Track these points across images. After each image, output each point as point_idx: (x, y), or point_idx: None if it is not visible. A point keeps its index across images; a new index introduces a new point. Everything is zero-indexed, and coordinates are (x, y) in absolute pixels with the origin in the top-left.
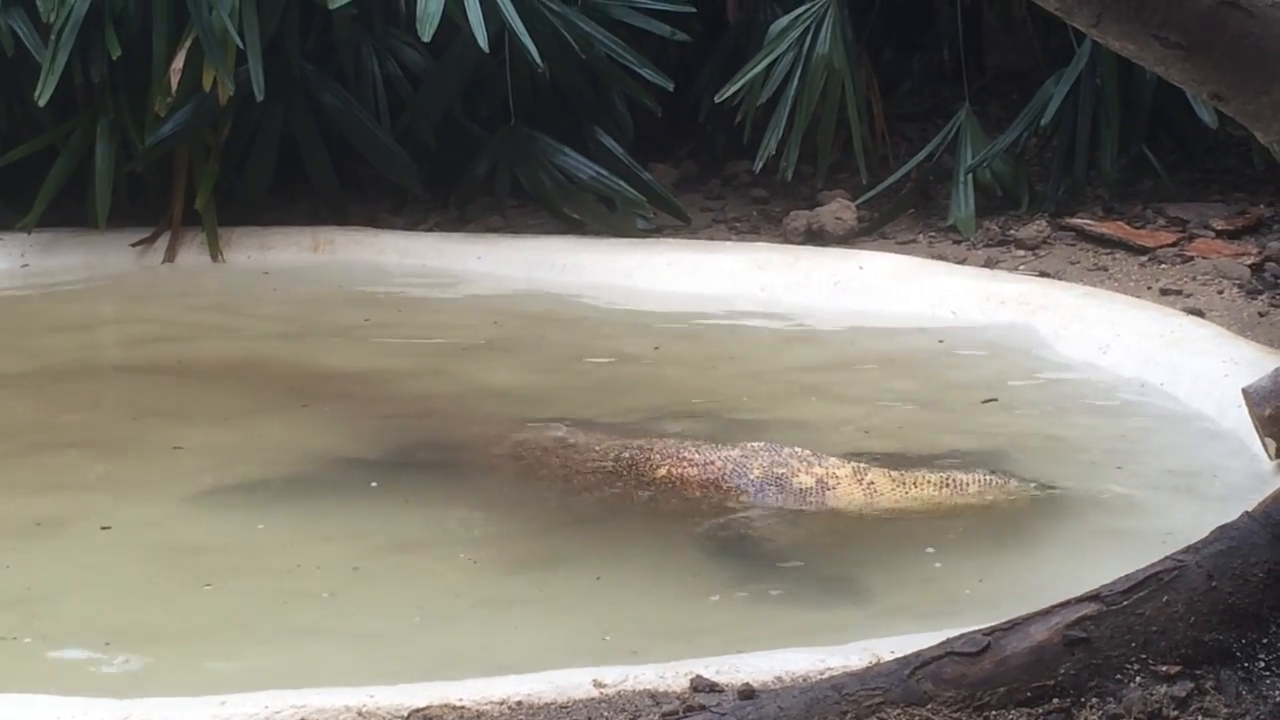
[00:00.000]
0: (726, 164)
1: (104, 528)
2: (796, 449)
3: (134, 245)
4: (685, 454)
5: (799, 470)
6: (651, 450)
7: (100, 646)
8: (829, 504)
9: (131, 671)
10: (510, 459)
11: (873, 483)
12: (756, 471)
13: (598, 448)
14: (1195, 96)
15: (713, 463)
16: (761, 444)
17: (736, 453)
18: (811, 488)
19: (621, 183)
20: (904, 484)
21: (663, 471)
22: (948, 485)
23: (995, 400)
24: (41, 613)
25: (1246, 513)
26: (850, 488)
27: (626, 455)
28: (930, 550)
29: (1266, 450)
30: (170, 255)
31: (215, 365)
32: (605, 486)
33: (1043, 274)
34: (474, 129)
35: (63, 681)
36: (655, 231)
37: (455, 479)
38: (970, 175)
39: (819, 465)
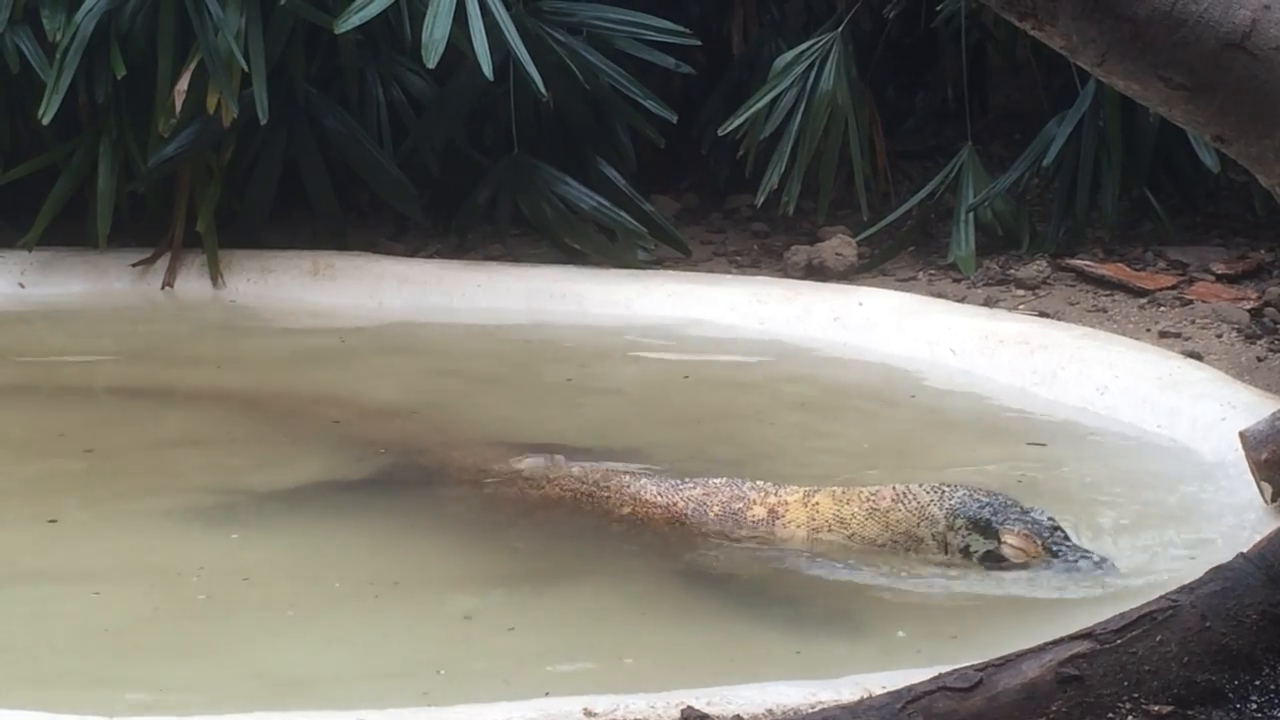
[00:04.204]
0: (728, 197)
1: (50, 520)
2: (759, 483)
3: (134, 265)
4: (648, 492)
5: (755, 502)
6: (618, 485)
7: None
8: (777, 534)
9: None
10: (481, 488)
11: (818, 504)
12: (716, 509)
13: (567, 479)
14: (1198, 139)
15: (675, 502)
16: (723, 480)
17: (698, 491)
18: (763, 519)
19: (623, 213)
20: (847, 502)
21: (628, 509)
22: (901, 501)
23: (1044, 445)
24: None
25: (1241, 554)
26: (798, 512)
27: (594, 489)
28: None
29: (1262, 494)
30: (170, 277)
31: (207, 387)
32: (572, 518)
33: (1042, 314)
34: (476, 157)
35: None
36: (656, 263)
37: (426, 506)
38: (971, 214)
39: (773, 496)
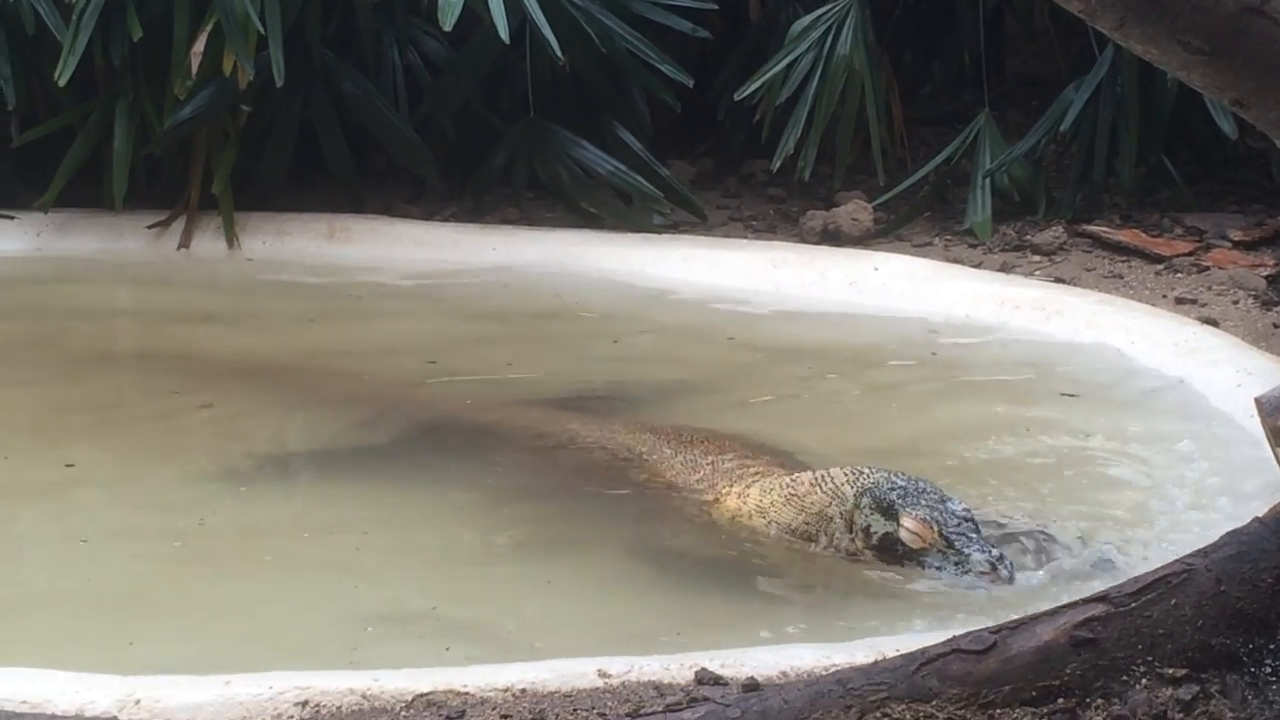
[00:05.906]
0: (744, 162)
1: (68, 465)
2: (747, 467)
3: (150, 228)
4: (667, 461)
5: (711, 486)
6: (639, 451)
7: None
8: (713, 517)
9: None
10: (502, 450)
11: (748, 493)
12: (687, 488)
13: (586, 445)
14: (1216, 105)
15: (674, 478)
16: (733, 460)
17: (698, 473)
18: (708, 504)
19: (639, 178)
20: (770, 491)
21: (644, 475)
22: (819, 484)
23: (1076, 396)
24: None
25: (1257, 518)
26: (729, 501)
27: (618, 454)
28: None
29: (1277, 459)
30: (185, 239)
31: (226, 349)
32: (594, 483)
33: (1058, 280)
34: (493, 120)
35: None
36: (671, 228)
37: (443, 464)
38: (988, 180)
39: (725, 485)
